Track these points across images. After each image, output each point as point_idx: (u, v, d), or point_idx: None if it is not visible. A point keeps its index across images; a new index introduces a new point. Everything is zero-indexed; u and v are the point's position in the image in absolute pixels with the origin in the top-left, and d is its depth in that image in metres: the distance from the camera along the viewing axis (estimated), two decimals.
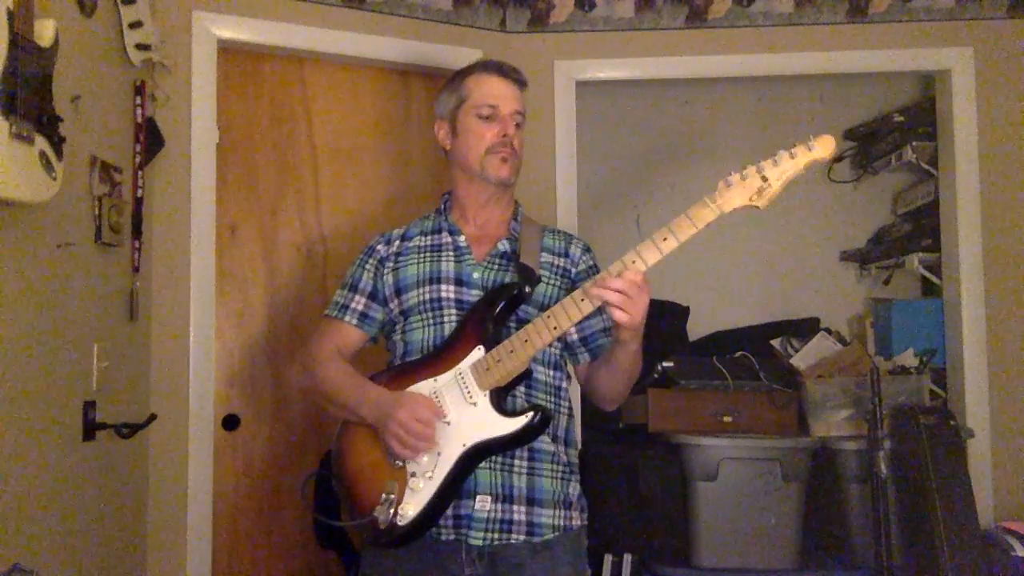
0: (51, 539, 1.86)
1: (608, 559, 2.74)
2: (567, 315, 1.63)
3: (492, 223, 1.90)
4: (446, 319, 1.78)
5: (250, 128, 2.69)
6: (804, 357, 3.04)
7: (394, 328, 1.86)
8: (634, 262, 1.59)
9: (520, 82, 1.89)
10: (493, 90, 1.85)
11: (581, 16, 3.03)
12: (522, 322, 1.73)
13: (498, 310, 1.72)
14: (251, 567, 2.61)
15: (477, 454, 1.67)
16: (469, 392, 1.68)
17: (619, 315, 1.58)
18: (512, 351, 1.66)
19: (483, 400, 1.67)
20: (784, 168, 1.57)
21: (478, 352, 1.69)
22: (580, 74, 3.03)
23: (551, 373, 1.81)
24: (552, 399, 1.81)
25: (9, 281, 1.69)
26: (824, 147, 1.57)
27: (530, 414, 1.65)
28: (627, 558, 2.74)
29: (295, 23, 2.67)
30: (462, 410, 1.68)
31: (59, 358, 1.90)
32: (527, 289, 1.73)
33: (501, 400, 1.68)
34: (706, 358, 2.95)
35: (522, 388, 1.74)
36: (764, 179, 1.57)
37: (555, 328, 1.64)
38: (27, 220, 1.74)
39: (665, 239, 1.58)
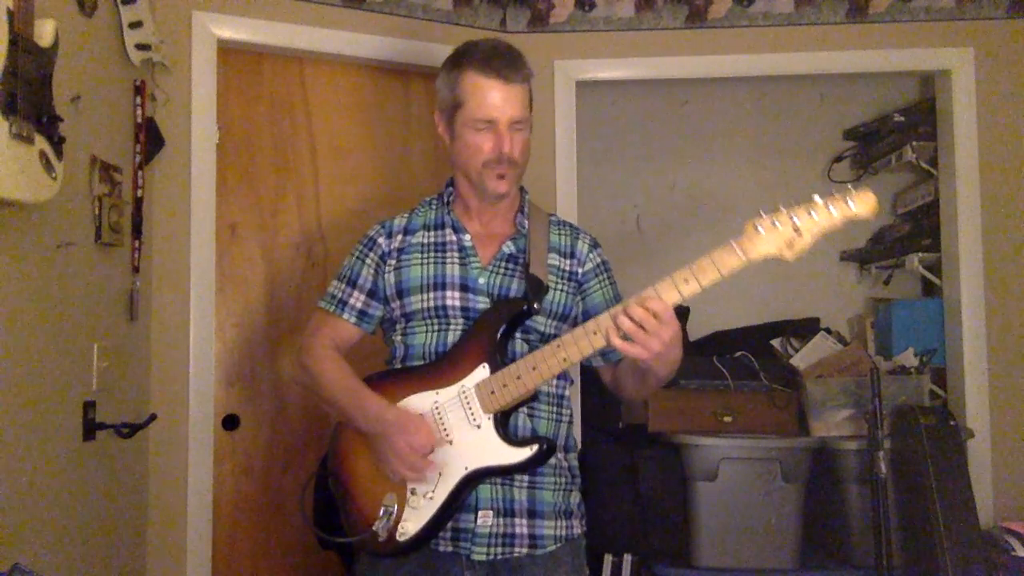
0: (51, 539, 1.86)
1: (608, 559, 2.74)
2: (578, 348, 1.60)
3: (497, 220, 1.84)
4: (451, 327, 1.74)
5: (250, 128, 2.69)
6: (804, 357, 3.05)
7: (394, 327, 1.82)
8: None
9: (521, 80, 1.74)
10: (489, 99, 1.71)
11: (581, 16, 3.02)
12: (529, 330, 1.72)
13: (504, 327, 1.68)
14: (251, 567, 2.61)
15: (478, 477, 1.65)
16: (473, 414, 1.65)
17: (623, 345, 1.53)
18: (519, 377, 1.63)
19: (487, 424, 1.64)
20: (819, 221, 1.49)
21: (483, 371, 1.66)
22: (580, 74, 3.02)
23: (554, 382, 1.76)
24: (555, 409, 1.77)
25: (9, 281, 1.69)
26: (864, 205, 1.48)
27: (535, 447, 1.63)
28: (627, 558, 2.74)
29: (295, 23, 2.67)
30: (465, 432, 1.65)
31: (59, 358, 1.90)
32: (535, 305, 1.69)
33: (505, 424, 1.66)
34: (706, 358, 2.94)
35: None
36: (796, 230, 1.49)
37: (564, 360, 1.61)
38: (27, 220, 1.74)
39: (687, 281, 1.53)
